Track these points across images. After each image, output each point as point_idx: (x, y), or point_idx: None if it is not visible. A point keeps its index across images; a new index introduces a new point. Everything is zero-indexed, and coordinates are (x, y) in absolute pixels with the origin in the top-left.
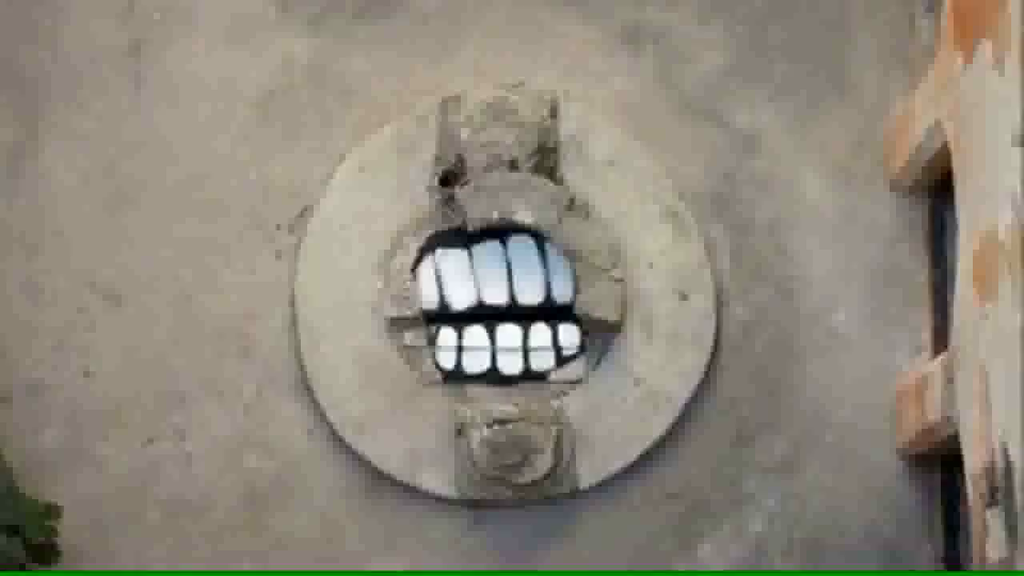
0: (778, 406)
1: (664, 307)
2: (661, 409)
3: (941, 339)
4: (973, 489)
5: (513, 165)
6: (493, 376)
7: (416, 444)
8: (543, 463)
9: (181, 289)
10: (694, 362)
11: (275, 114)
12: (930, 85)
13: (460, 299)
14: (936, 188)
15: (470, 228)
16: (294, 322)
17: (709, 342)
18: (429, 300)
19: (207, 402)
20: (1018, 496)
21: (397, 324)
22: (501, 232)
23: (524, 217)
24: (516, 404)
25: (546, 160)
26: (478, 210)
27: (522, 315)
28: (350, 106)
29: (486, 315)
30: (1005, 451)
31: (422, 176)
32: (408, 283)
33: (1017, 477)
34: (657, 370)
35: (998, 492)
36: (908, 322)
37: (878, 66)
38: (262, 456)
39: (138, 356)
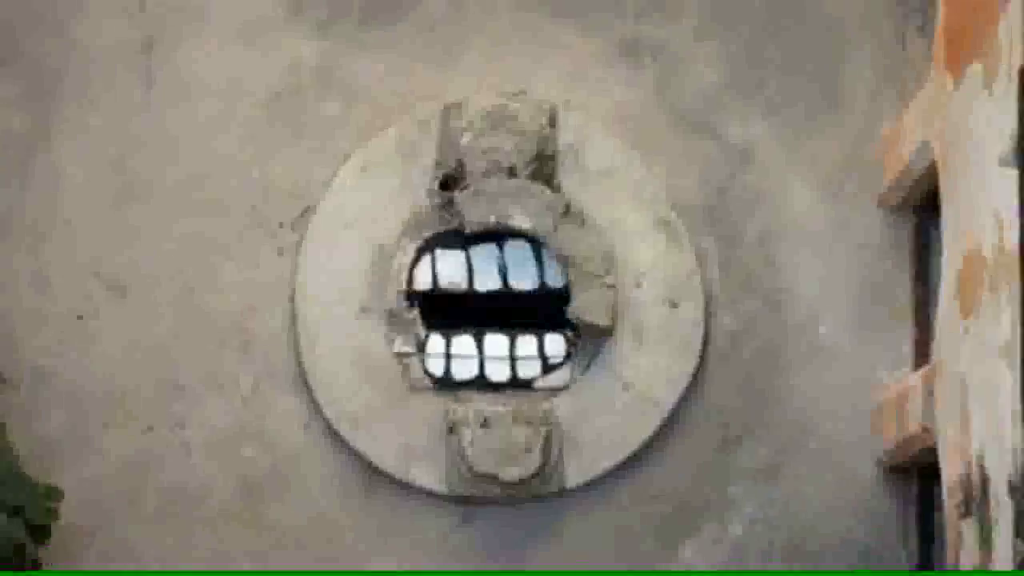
0: (762, 414)
1: (654, 314)
2: (648, 413)
3: (923, 353)
4: (949, 499)
5: (511, 171)
6: (481, 383)
7: (409, 440)
8: (532, 462)
9: (184, 282)
10: (682, 369)
11: (281, 114)
12: (920, 105)
13: (452, 281)
14: (923, 205)
15: (468, 231)
16: (293, 318)
17: (697, 350)
18: (423, 283)
19: (207, 394)
20: (992, 507)
21: (392, 325)
22: (498, 236)
23: (521, 222)
24: (505, 405)
25: (544, 167)
26: (476, 214)
27: (510, 324)
28: (354, 108)
29: (476, 319)
30: (981, 463)
31: (423, 179)
32: (405, 284)
33: (992, 489)
34: (646, 375)
35: (973, 503)
36: (891, 335)
37: (870, 85)
38: (259, 448)
39: (141, 347)
